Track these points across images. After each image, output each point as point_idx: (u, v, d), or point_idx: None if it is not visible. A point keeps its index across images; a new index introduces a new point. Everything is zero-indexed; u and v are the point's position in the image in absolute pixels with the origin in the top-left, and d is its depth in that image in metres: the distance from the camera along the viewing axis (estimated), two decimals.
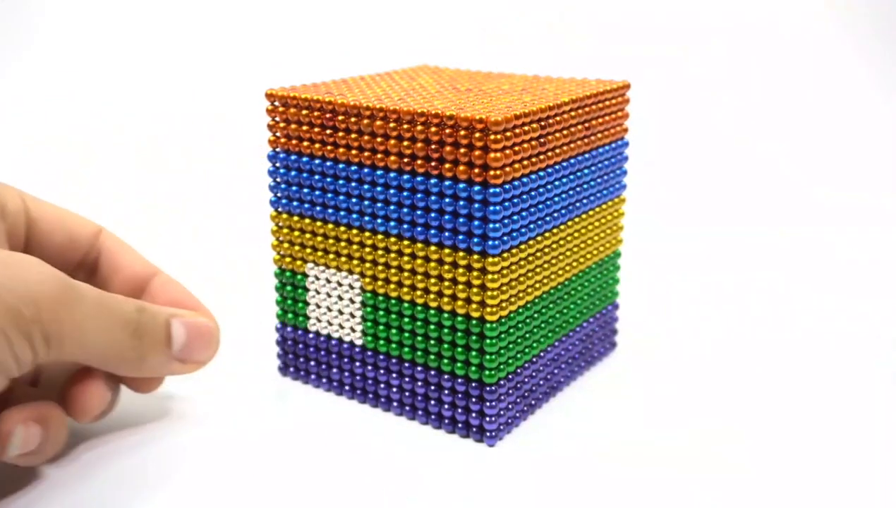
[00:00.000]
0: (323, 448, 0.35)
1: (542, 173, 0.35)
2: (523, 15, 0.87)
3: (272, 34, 0.88)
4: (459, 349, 0.35)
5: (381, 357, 0.37)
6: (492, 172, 0.32)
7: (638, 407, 0.39)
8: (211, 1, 0.90)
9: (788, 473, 0.33)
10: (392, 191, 0.35)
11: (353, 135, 0.35)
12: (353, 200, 0.36)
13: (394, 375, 0.37)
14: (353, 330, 0.38)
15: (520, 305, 0.35)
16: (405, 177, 0.34)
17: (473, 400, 0.35)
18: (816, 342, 0.45)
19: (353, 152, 0.36)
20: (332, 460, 0.34)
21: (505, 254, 0.34)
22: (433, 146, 0.33)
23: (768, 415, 0.38)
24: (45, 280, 0.30)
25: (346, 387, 0.39)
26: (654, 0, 0.86)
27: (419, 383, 0.37)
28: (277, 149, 0.38)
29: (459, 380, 0.35)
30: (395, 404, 0.38)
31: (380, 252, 0.36)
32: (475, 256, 0.33)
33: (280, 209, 0.39)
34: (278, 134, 0.38)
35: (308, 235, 0.38)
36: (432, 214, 0.34)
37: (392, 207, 0.35)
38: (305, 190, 0.38)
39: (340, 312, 0.38)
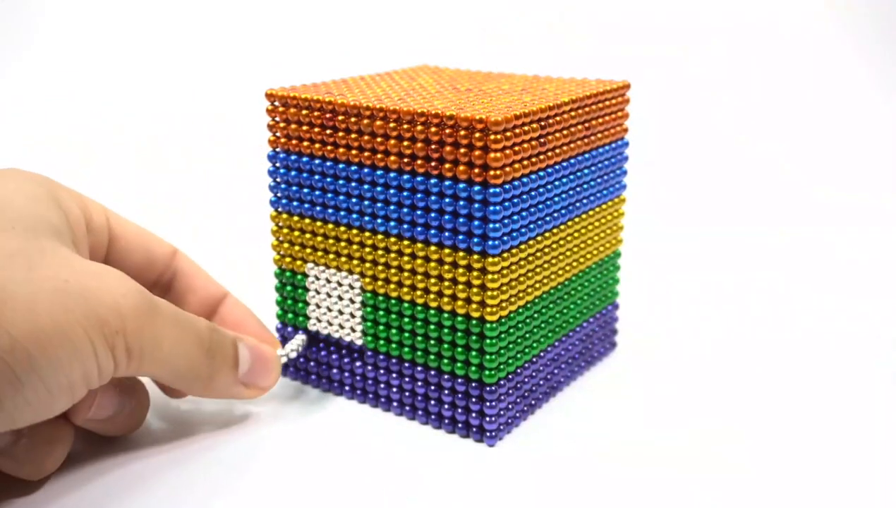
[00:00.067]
0: (323, 448, 0.35)
1: (542, 173, 0.35)
2: (523, 15, 0.87)
3: (272, 34, 0.88)
4: (459, 349, 0.35)
5: (381, 357, 0.37)
6: (492, 172, 0.32)
7: (638, 407, 0.39)
8: (211, 1, 0.90)
9: (788, 473, 0.33)
10: (392, 191, 0.35)
11: (353, 135, 0.35)
12: (353, 200, 0.36)
13: (394, 375, 0.37)
14: (353, 330, 0.38)
15: (520, 305, 0.35)
16: (405, 177, 0.34)
17: (473, 400, 0.35)
18: (816, 342, 0.45)
19: (353, 152, 0.36)
20: (333, 460, 0.34)
21: (505, 254, 0.34)
22: (433, 146, 0.33)
23: (768, 415, 0.38)
24: (129, 293, 0.30)
25: (346, 387, 0.39)
26: (654, 0, 0.86)
27: (419, 383, 0.37)
28: (277, 149, 0.38)
29: (459, 380, 0.35)
30: (395, 404, 0.38)
31: (380, 252, 0.36)
32: (475, 256, 0.33)
33: (280, 209, 0.39)
34: (278, 134, 0.38)
35: (308, 235, 0.38)
36: (432, 214, 0.34)
37: (392, 207, 0.35)
38: (305, 190, 0.38)
39: (340, 312, 0.38)
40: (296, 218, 0.38)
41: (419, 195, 0.34)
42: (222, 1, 0.90)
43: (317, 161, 0.37)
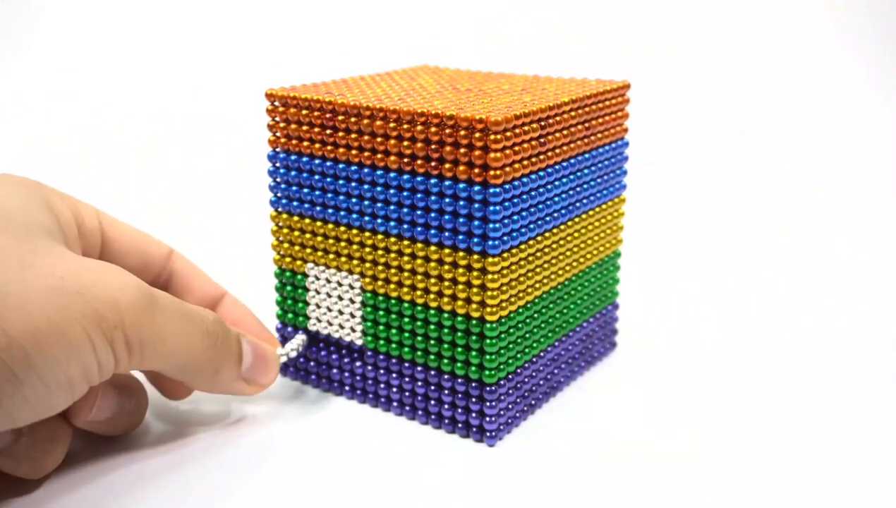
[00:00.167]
0: (323, 448, 0.35)
1: (542, 173, 0.35)
2: (523, 15, 0.87)
3: (272, 34, 0.88)
4: (459, 349, 0.35)
5: (381, 357, 0.37)
6: (492, 172, 0.32)
7: (638, 407, 0.39)
8: (211, 1, 0.90)
9: (788, 473, 0.33)
10: (392, 191, 0.35)
11: (353, 135, 0.35)
12: (353, 200, 0.36)
13: (394, 375, 0.37)
14: (353, 330, 0.38)
15: (520, 305, 0.35)
16: (405, 177, 0.34)
17: (473, 400, 0.35)
18: (816, 342, 0.45)
19: (353, 152, 0.36)
20: (333, 460, 0.34)
21: (505, 254, 0.34)
22: (433, 146, 0.33)
23: (768, 415, 0.38)
24: (127, 287, 0.30)
25: (346, 387, 0.39)
26: (654, 0, 0.86)
27: (419, 383, 0.37)
28: (277, 149, 0.38)
29: (459, 380, 0.35)
30: (395, 404, 0.38)
31: (380, 252, 0.36)
32: (475, 256, 0.33)
33: (280, 209, 0.39)
34: (278, 134, 0.38)
35: (308, 235, 0.38)
36: (432, 214, 0.34)
37: (392, 207, 0.35)
38: (305, 190, 0.38)
39: (340, 312, 0.38)
40: (296, 218, 0.38)
41: (419, 195, 0.34)
42: (222, 1, 0.90)
43: (317, 161, 0.37)
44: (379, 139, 0.35)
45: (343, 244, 0.37)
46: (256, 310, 0.41)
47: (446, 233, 0.34)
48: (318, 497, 0.32)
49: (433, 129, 0.33)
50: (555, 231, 0.37)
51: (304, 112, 0.37)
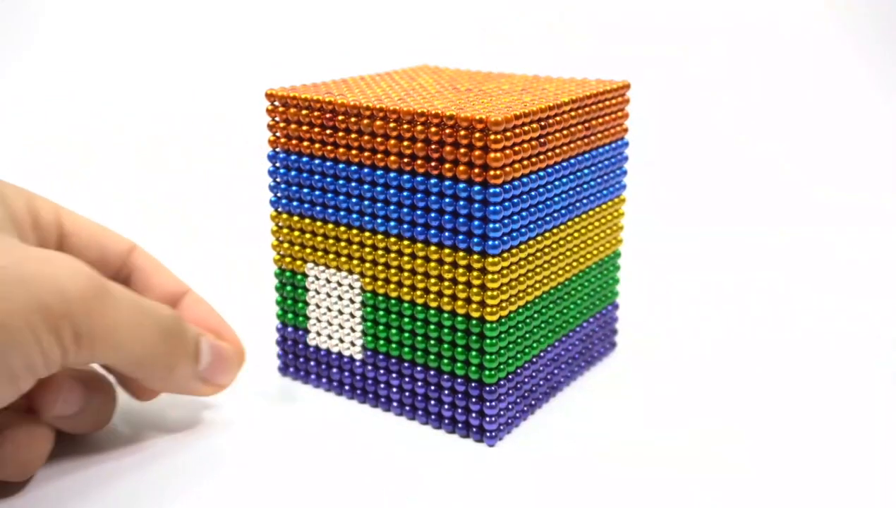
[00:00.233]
0: (323, 448, 0.35)
1: (542, 173, 0.35)
2: (523, 15, 0.87)
3: (272, 34, 0.88)
4: (459, 349, 0.35)
5: (381, 357, 0.37)
6: (492, 172, 0.32)
7: (638, 407, 0.39)
8: (211, 1, 0.90)
9: (788, 473, 0.33)
10: (392, 191, 0.35)
11: (353, 135, 0.35)
12: (353, 200, 0.36)
13: (394, 375, 0.37)
14: (353, 329, 0.38)
15: (520, 305, 0.35)
16: (405, 177, 0.34)
17: (473, 400, 0.35)
18: (816, 342, 0.45)
19: (353, 152, 0.36)
20: (333, 460, 0.34)
21: (505, 254, 0.34)
22: (433, 146, 0.33)
23: (768, 415, 0.38)
24: (77, 276, 0.29)
25: (346, 387, 0.39)
26: (654, 0, 0.86)
27: (419, 383, 0.37)
28: (277, 149, 0.38)
29: (459, 380, 0.35)
30: (395, 404, 0.38)
31: (380, 252, 0.36)
32: (475, 256, 0.33)
33: (280, 209, 0.39)
34: (278, 134, 0.38)
35: (308, 235, 0.38)
36: (432, 214, 0.34)
37: (392, 207, 0.35)
38: (305, 190, 0.38)
39: (340, 312, 0.38)
40: (296, 218, 0.38)
41: (419, 195, 0.34)
42: (222, 1, 0.90)
43: (317, 161, 0.37)
44: (379, 139, 0.35)
45: (343, 244, 0.37)
46: (256, 310, 0.41)
47: (446, 233, 0.34)
48: (318, 497, 0.32)
49: (433, 129, 0.33)
50: (555, 231, 0.37)
51: (304, 112, 0.37)
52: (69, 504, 0.31)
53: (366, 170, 0.35)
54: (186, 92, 0.85)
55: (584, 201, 0.39)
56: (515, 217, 0.34)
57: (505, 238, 0.34)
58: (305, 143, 0.37)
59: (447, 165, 0.33)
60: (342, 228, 0.37)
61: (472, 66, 0.60)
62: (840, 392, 0.40)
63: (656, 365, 0.43)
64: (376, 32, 0.87)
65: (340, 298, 0.38)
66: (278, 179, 0.39)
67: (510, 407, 0.36)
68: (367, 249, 0.36)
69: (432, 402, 0.36)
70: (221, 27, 0.89)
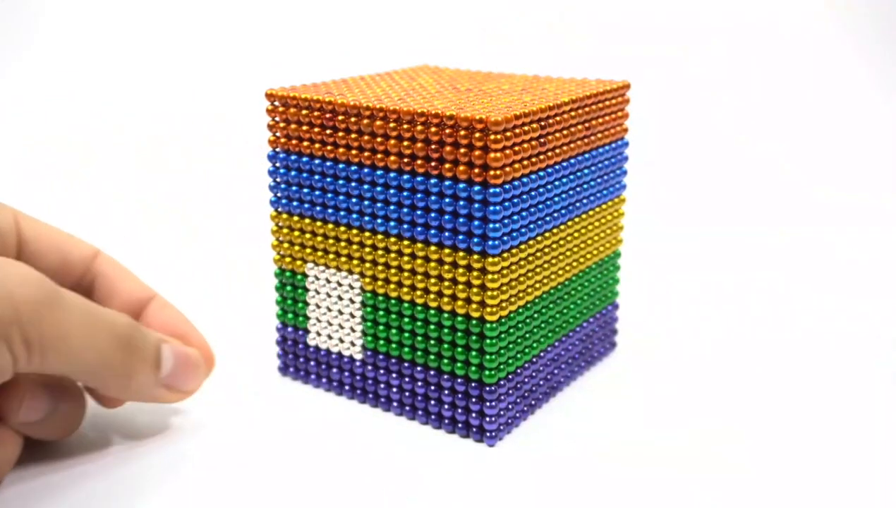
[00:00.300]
0: (323, 448, 0.35)
1: (542, 173, 0.35)
2: (523, 15, 0.87)
3: (272, 34, 0.88)
4: (459, 349, 0.35)
5: (381, 357, 0.38)
6: (492, 172, 0.32)
7: (638, 407, 0.39)
8: (211, 1, 0.90)
9: (788, 473, 0.33)
10: (392, 191, 0.35)
11: (353, 135, 0.35)
12: (353, 200, 0.36)
13: (394, 375, 0.37)
14: (352, 330, 0.38)
15: (520, 305, 0.35)
16: (405, 177, 0.34)
17: (473, 400, 0.35)
18: (816, 342, 0.45)
19: (353, 152, 0.36)
20: (333, 460, 0.34)
21: (505, 254, 0.34)
22: (433, 146, 0.33)
23: (768, 415, 0.38)
24: (27, 282, 0.29)
25: (346, 387, 0.39)
26: (654, 0, 0.86)
27: (419, 383, 0.37)
28: (277, 149, 0.38)
29: (459, 380, 0.35)
30: (395, 404, 0.38)
31: (380, 252, 0.36)
32: (475, 256, 0.33)
33: (280, 209, 0.39)
34: (278, 134, 0.38)
35: (308, 235, 0.38)
36: (432, 214, 0.34)
37: (392, 207, 0.35)
38: (305, 190, 0.38)
39: (340, 312, 0.38)
40: (296, 218, 0.38)
41: (419, 195, 0.34)
42: (222, 1, 0.90)
43: (317, 161, 0.37)
44: (379, 139, 0.35)
45: (343, 244, 0.37)
46: (256, 310, 0.40)
47: (446, 233, 0.34)
48: (319, 497, 0.32)
49: (433, 129, 0.33)
50: (555, 231, 0.37)
51: (304, 112, 0.37)
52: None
53: (366, 170, 0.35)
54: (186, 92, 0.85)
55: (584, 201, 0.39)
56: (515, 217, 0.34)
57: (505, 238, 0.34)
58: (305, 143, 0.37)
59: (447, 165, 0.33)
60: (342, 228, 0.37)
61: (472, 66, 0.60)
62: (840, 392, 0.40)
63: (656, 365, 0.43)
64: (376, 32, 0.87)
65: (340, 298, 0.38)
66: (278, 179, 0.39)
67: (510, 407, 0.36)
68: (367, 249, 0.36)
69: (432, 402, 0.36)
70: (221, 27, 0.89)
